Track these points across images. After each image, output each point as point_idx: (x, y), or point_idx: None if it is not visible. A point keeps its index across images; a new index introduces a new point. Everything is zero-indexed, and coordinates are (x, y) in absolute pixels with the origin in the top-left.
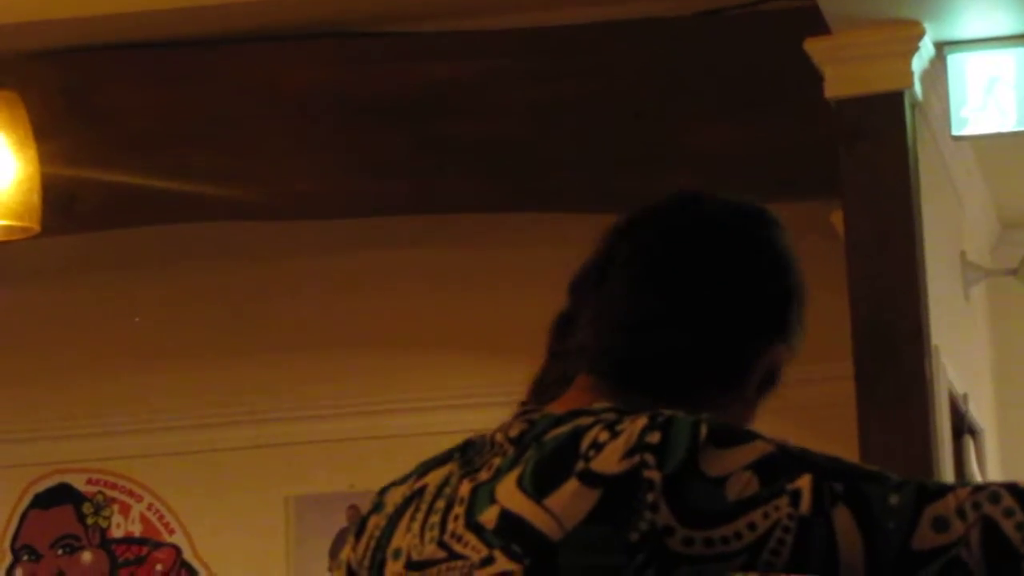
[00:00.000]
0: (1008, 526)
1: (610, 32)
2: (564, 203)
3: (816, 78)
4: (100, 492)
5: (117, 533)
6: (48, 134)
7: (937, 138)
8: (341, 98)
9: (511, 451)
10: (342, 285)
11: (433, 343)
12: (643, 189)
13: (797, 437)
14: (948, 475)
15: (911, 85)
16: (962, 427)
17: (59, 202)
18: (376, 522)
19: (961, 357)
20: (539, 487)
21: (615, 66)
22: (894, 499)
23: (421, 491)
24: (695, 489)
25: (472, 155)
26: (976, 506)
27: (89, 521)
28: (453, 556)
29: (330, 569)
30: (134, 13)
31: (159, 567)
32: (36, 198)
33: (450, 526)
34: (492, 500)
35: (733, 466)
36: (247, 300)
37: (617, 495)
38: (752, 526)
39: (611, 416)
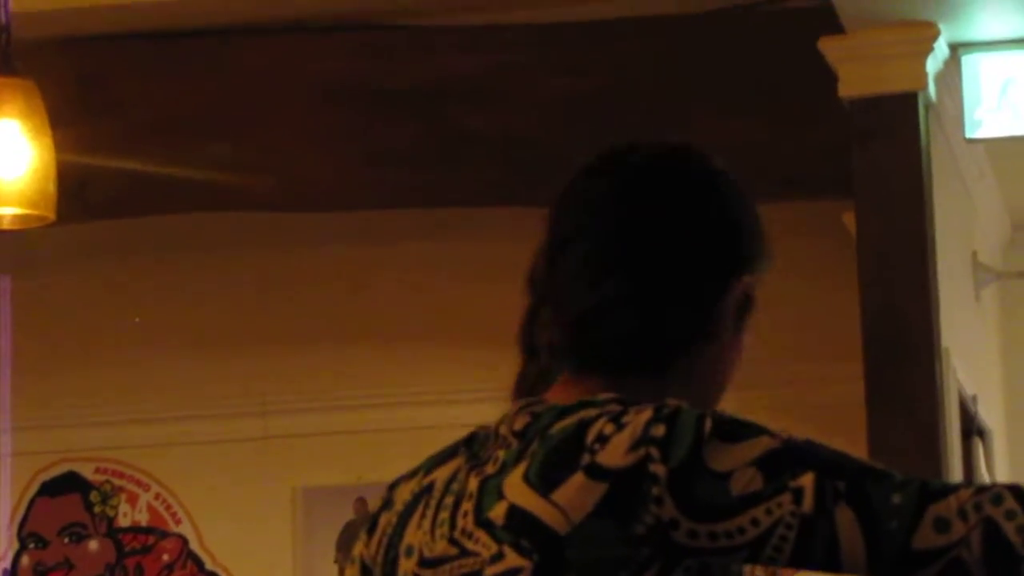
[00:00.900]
0: (1009, 528)
1: (625, 28)
2: None
3: (830, 78)
4: (108, 481)
5: (124, 522)
6: (62, 122)
7: (950, 139)
8: (358, 90)
9: (515, 444)
10: (354, 277)
11: (443, 336)
12: None
13: (811, 436)
14: (957, 475)
15: (925, 86)
16: (971, 428)
17: (70, 190)
18: (388, 519)
19: (971, 358)
20: (546, 481)
21: (630, 62)
22: (896, 498)
23: (430, 487)
24: (700, 483)
25: (488, 149)
26: (978, 507)
27: (96, 510)
28: (464, 553)
29: (336, 561)
30: (150, 3)
31: (165, 557)
32: (52, 187)
33: (460, 522)
34: (500, 495)
35: (738, 461)
36: (256, 291)
37: (623, 488)
38: (755, 522)
39: (615, 408)
